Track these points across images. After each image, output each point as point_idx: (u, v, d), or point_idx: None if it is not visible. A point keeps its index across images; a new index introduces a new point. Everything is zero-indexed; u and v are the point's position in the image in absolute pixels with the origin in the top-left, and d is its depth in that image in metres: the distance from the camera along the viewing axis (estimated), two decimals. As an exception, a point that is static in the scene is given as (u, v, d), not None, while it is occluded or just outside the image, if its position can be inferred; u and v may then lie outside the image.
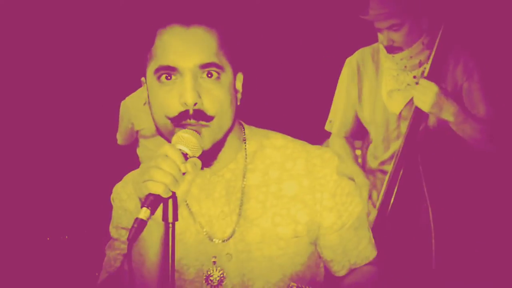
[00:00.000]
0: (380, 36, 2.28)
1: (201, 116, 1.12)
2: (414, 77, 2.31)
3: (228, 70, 1.17)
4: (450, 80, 2.29)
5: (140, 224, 0.99)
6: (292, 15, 3.56)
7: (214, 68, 1.13)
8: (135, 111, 3.29)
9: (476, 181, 2.36)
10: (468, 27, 2.23)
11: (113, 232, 1.35)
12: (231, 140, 1.22)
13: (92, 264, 2.77)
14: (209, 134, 1.14)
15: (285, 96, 3.57)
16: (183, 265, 1.25)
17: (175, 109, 1.12)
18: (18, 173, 3.57)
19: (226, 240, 1.23)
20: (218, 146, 1.17)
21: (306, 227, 1.23)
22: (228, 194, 1.24)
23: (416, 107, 2.21)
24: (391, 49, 2.27)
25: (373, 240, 1.34)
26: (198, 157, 1.10)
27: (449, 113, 2.11)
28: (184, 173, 1.06)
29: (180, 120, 1.12)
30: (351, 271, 1.32)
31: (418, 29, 2.24)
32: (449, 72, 2.28)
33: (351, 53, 2.55)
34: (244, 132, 1.29)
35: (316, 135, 2.46)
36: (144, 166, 1.08)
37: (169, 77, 1.13)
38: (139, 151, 3.39)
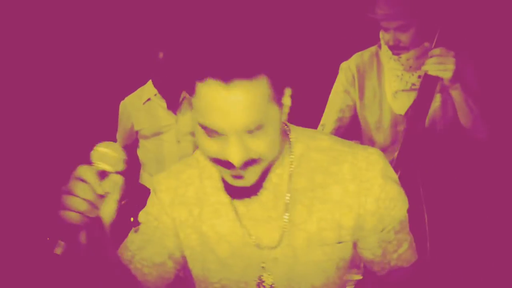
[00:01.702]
0: (386, 35, 2.26)
1: (249, 163, 1.07)
2: (419, 77, 2.30)
3: (274, 113, 1.07)
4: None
5: (60, 258, 0.96)
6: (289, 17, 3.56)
7: (260, 126, 1.04)
8: (134, 111, 3.28)
9: (473, 185, 2.36)
10: (469, 29, 2.23)
11: (141, 216, 1.34)
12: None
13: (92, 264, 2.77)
14: (258, 171, 1.10)
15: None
16: (229, 265, 1.25)
17: (221, 158, 1.07)
18: (18, 173, 3.57)
19: (275, 247, 1.22)
20: (264, 175, 1.14)
21: (350, 231, 1.22)
22: (275, 199, 1.22)
23: (412, 110, 2.20)
24: (397, 48, 2.26)
25: (414, 244, 1.32)
26: (243, 190, 1.10)
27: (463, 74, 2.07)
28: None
29: (226, 167, 1.08)
30: (393, 271, 1.30)
31: (425, 31, 2.23)
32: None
33: (345, 56, 2.54)
34: (290, 135, 1.24)
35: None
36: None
37: (214, 135, 1.06)
38: (139, 152, 3.38)
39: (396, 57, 2.28)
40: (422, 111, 2.18)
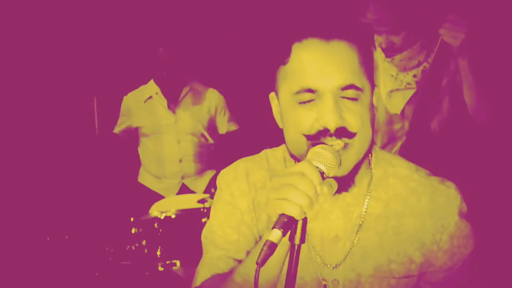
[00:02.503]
0: (379, 38, 2.28)
1: (343, 133, 1.05)
2: (414, 76, 2.32)
3: (367, 88, 1.10)
4: (447, 75, 2.30)
5: (270, 247, 0.93)
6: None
7: (354, 90, 1.06)
8: (135, 108, 3.30)
9: (473, 184, 2.36)
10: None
11: (216, 227, 1.26)
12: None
13: (92, 264, 2.78)
14: (350, 155, 1.07)
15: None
16: None
17: (314, 128, 1.06)
18: (18, 173, 3.58)
19: (336, 267, 1.18)
20: (356, 169, 1.11)
21: (419, 266, 1.18)
22: (345, 219, 1.18)
23: (416, 108, 2.21)
24: (390, 50, 2.27)
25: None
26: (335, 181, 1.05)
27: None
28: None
29: (318, 137, 1.06)
30: None
31: (417, 31, 2.25)
32: (445, 70, 2.29)
33: None
34: (371, 157, 1.21)
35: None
36: (276, 181, 1.00)
37: (309, 97, 1.07)
38: (140, 150, 3.39)
39: (389, 59, 2.30)
40: (425, 111, 2.20)
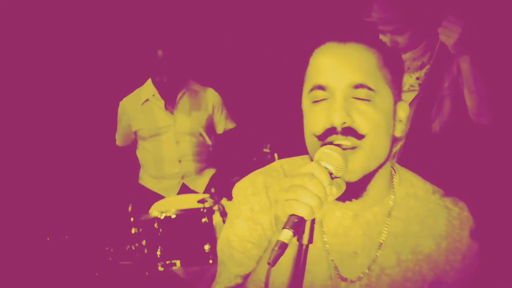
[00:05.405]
0: (383, 38, 2.28)
1: (350, 132, 1.05)
2: (417, 78, 2.32)
3: (385, 94, 1.09)
4: (448, 76, 2.30)
5: (281, 247, 0.93)
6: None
7: (366, 90, 1.06)
8: (132, 112, 3.29)
9: (474, 185, 2.36)
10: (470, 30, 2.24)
11: (235, 242, 1.24)
12: (382, 182, 1.16)
13: (92, 264, 2.78)
14: (359, 158, 1.07)
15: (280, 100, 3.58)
16: None
17: (322, 126, 1.07)
18: (18, 173, 3.58)
19: (354, 282, 1.20)
20: (368, 178, 1.10)
21: (430, 285, 1.21)
22: (365, 236, 1.19)
23: (416, 109, 2.21)
24: None
25: None
26: (346, 189, 1.05)
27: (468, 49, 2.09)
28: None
29: (326, 137, 1.06)
30: None
31: (422, 32, 2.24)
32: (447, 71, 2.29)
33: None
34: (394, 176, 1.22)
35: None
36: (285, 182, 1.01)
37: (321, 96, 1.08)
38: (138, 153, 3.38)
39: None
40: (426, 112, 2.20)
